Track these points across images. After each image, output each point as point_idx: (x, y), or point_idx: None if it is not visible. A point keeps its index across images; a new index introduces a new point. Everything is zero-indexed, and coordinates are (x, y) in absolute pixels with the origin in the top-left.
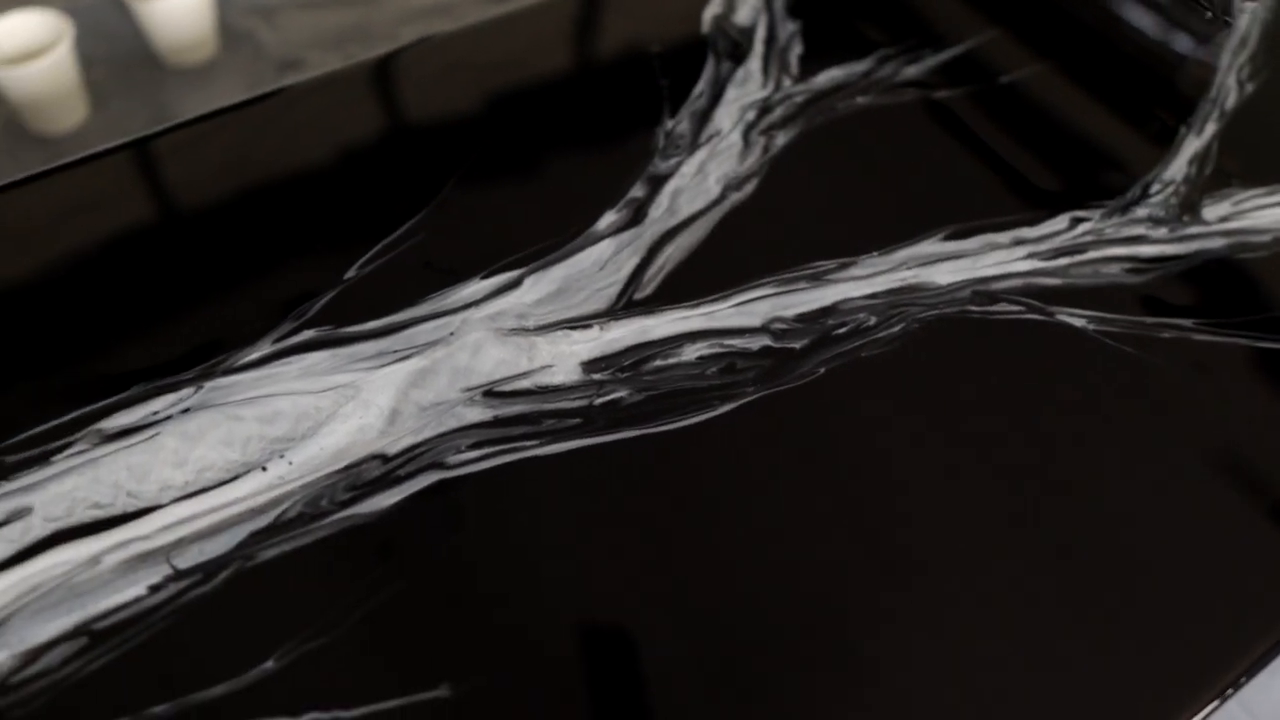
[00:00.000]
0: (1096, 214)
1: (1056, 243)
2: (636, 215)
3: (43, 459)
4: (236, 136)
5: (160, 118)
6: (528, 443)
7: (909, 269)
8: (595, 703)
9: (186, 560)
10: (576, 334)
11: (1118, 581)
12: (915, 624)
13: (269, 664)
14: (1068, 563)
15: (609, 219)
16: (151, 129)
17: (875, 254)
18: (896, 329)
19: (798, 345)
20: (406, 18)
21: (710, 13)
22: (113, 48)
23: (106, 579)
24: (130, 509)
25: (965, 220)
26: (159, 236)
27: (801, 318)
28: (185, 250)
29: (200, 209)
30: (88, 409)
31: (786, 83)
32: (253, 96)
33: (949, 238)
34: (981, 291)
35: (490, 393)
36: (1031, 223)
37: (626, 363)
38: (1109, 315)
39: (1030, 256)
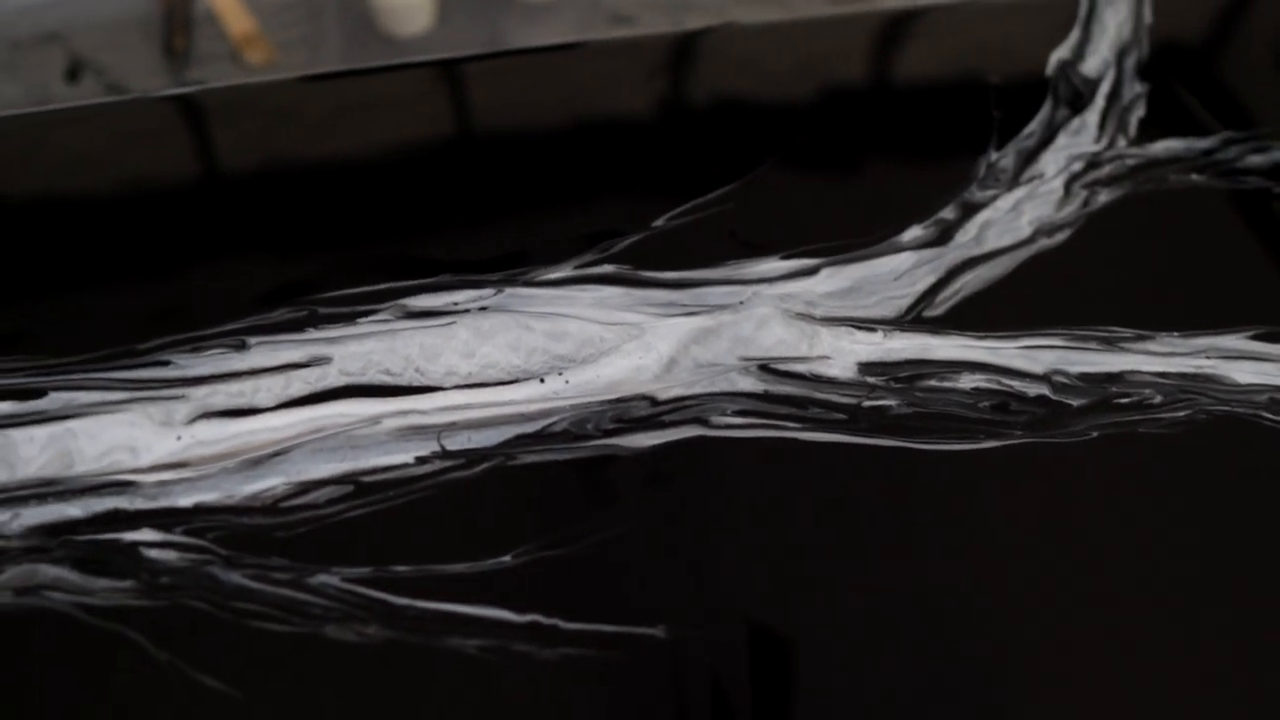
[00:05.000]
0: None
1: None
2: (942, 236)
3: (350, 318)
4: (564, 72)
5: (493, 41)
6: (790, 424)
7: (1208, 358)
8: (757, 700)
9: (454, 444)
10: (860, 334)
11: None
12: None
13: (506, 558)
14: None
15: (914, 233)
16: (485, 50)
17: (1175, 334)
18: (1181, 414)
19: (1075, 403)
20: None
21: (1057, 56)
22: None
23: (381, 440)
24: (415, 383)
25: (1279, 325)
26: (484, 147)
27: (1085, 377)
28: (507, 166)
29: (525, 132)
30: (397, 284)
31: (1121, 142)
32: (579, 40)
33: (1257, 338)
34: None
35: (766, 368)
36: None
37: (902, 374)
38: None
39: None
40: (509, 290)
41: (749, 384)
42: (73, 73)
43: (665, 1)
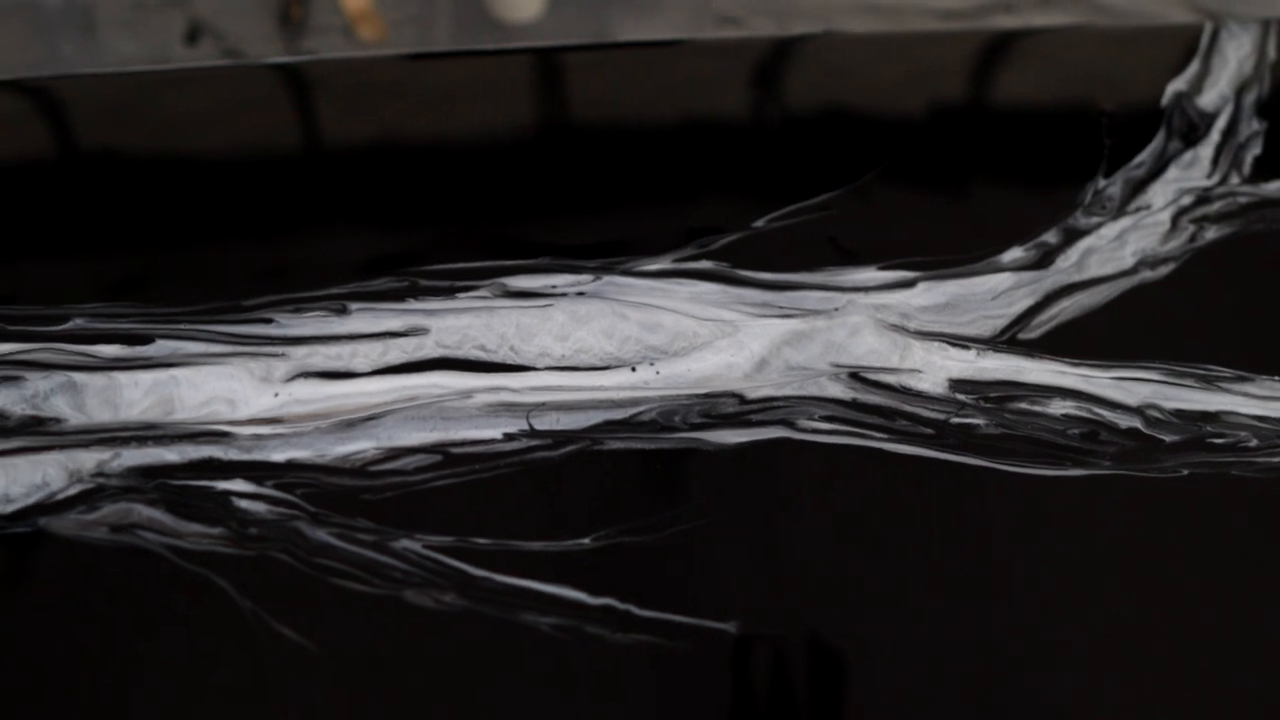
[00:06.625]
0: None
1: None
2: (1043, 260)
3: (449, 292)
4: (664, 69)
5: (600, 33)
6: (876, 434)
7: None
8: (813, 708)
9: (543, 424)
10: (953, 350)
11: None
12: None
13: (585, 541)
14: None
15: (1014, 254)
16: (589, 40)
17: (1277, 378)
18: (1277, 460)
19: (1167, 438)
20: (850, 8)
21: (1174, 87)
22: None
23: (471, 414)
24: (509, 361)
25: None
26: (587, 136)
27: (1180, 414)
28: (609, 156)
29: (628, 124)
30: (498, 263)
31: (1234, 180)
32: (680, 38)
33: None
34: None
35: (856, 376)
36: None
37: (993, 394)
38: None
39: None
40: (607, 278)
41: (838, 390)
42: (191, 35)
43: (774, 7)
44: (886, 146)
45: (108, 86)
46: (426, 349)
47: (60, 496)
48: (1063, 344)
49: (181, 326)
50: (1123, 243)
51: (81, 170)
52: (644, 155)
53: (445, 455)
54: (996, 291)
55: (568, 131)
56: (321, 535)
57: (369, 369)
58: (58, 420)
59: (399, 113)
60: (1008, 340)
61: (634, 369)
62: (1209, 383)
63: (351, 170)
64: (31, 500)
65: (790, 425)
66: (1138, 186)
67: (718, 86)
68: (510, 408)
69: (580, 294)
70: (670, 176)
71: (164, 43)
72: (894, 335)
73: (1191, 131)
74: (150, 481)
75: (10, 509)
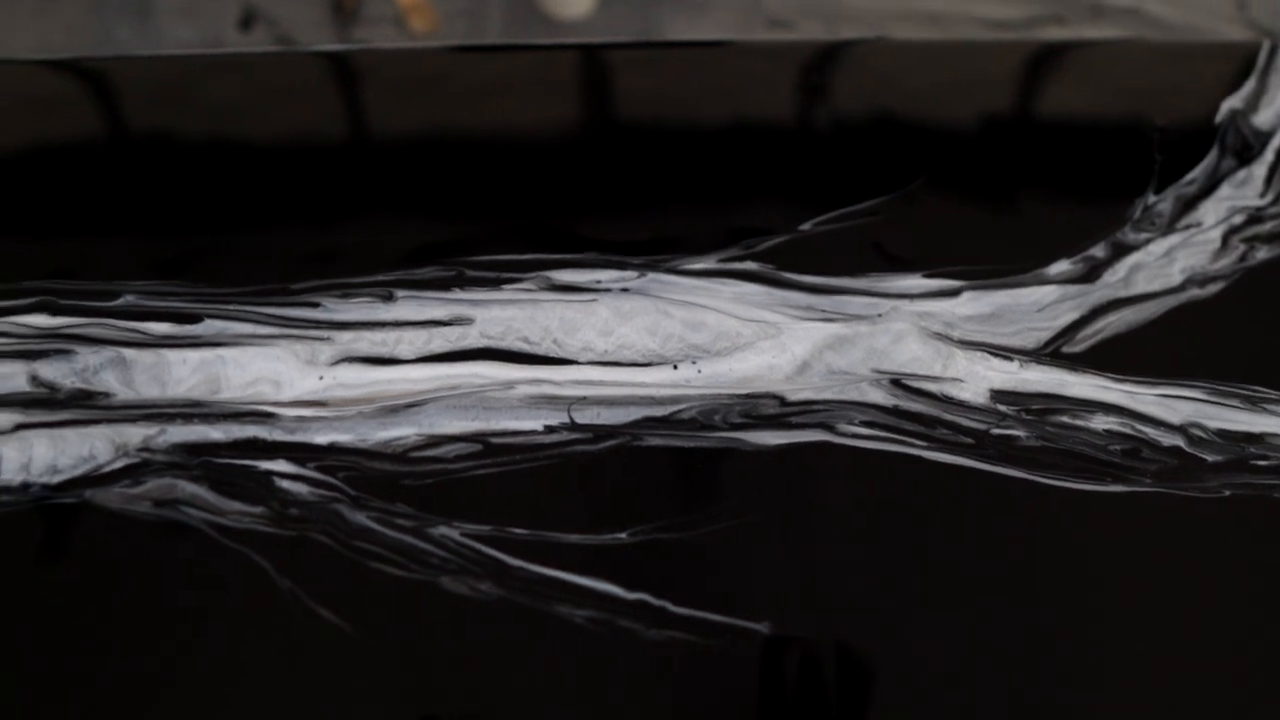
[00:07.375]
0: None
1: None
2: (1090, 274)
3: (495, 283)
4: (710, 69)
5: (649, 32)
6: (916, 441)
7: None
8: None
9: (583, 418)
10: (996, 361)
11: None
12: None
13: (622, 535)
14: None
15: (1061, 267)
16: (638, 38)
17: None
18: None
19: (1210, 458)
20: (901, 15)
21: (1229, 105)
22: None
23: (513, 405)
24: (551, 354)
25: None
26: (633, 134)
27: (1224, 434)
28: (655, 154)
29: (675, 123)
30: (545, 256)
31: None
32: (726, 39)
33: None
34: None
35: (897, 382)
36: None
37: (1034, 407)
38: None
39: None
40: (651, 275)
41: (879, 396)
42: (246, 22)
43: (825, 10)
44: (934, 154)
45: (161, 70)
46: (470, 339)
47: (106, 470)
48: (1107, 359)
49: (230, 307)
50: (1171, 259)
51: (134, 151)
52: (691, 154)
53: (486, 445)
54: (1042, 303)
55: (615, 128)
56: (361, 519)
57: (413, 356)
58: (106, 395)
59: (447, 104)
60: (1051, 353)
61: (676, 367)
62: (1254, 404)
63: (400, 159)
64: (78, 472)
65: (830, 429)
66: (1188, 203)
67: (766, 88)
68: (551, 400)
69: (624, 290)
70: (717, 177)
71: (217, 28)
72: (937, 343)
73: (1245, 150)
74: (195, 458)
75: (57, 480)
